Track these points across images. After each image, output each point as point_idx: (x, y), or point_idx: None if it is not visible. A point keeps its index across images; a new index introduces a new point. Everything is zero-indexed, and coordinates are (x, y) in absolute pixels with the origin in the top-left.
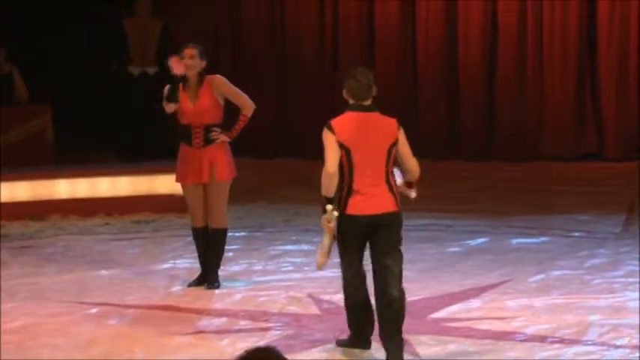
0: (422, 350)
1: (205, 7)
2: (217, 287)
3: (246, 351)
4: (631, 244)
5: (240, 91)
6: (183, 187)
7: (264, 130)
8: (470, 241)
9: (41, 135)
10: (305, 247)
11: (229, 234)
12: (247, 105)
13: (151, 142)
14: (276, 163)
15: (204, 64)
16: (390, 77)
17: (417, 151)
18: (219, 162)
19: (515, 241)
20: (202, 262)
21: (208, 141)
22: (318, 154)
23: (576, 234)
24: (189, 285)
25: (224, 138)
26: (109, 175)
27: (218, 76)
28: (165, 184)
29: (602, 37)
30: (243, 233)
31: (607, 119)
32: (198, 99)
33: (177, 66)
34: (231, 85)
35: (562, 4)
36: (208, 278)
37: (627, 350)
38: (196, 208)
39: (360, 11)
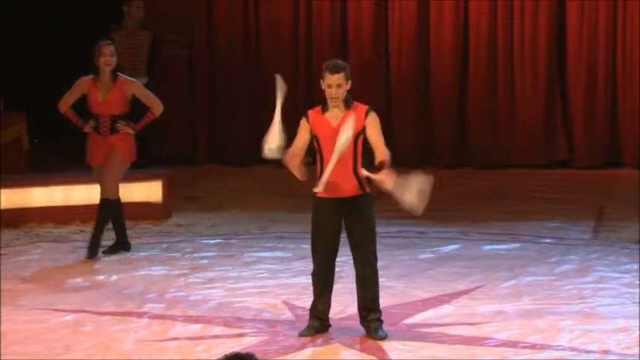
0: (394, 356)
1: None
2: (128, 249)
3: (225, 356)
4: (600, 250)
5: (152, 94)
6: (92, 167)
7: (240, 137)
8: (442, 248)
9: (16, 143)
10: (280, 253)
11: (204, 241)
12: (157, 106)
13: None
14: (251, 171)
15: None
16: (365, 94)
17: None
18: (121, 146)
19: (486, 247)
20: (116, 232)
21: (114, 130)
22: None
23: (547, 240)
24: (105, 252)
25: (129, 130)
26: (85, 182)
27: (135, 81)
28: (141, 191)
29: (572, 46)
30: (218, 240)
31: (576, 127)
32: (109, 93)
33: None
34: (145, 90)
35: (532, 14)
36: (124, 247)
37: (597, 355)
38: None
39: (333, 15)
